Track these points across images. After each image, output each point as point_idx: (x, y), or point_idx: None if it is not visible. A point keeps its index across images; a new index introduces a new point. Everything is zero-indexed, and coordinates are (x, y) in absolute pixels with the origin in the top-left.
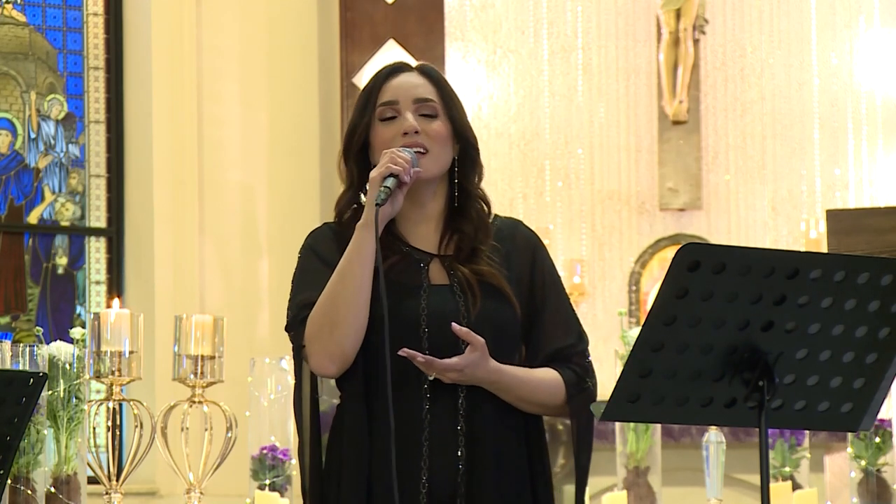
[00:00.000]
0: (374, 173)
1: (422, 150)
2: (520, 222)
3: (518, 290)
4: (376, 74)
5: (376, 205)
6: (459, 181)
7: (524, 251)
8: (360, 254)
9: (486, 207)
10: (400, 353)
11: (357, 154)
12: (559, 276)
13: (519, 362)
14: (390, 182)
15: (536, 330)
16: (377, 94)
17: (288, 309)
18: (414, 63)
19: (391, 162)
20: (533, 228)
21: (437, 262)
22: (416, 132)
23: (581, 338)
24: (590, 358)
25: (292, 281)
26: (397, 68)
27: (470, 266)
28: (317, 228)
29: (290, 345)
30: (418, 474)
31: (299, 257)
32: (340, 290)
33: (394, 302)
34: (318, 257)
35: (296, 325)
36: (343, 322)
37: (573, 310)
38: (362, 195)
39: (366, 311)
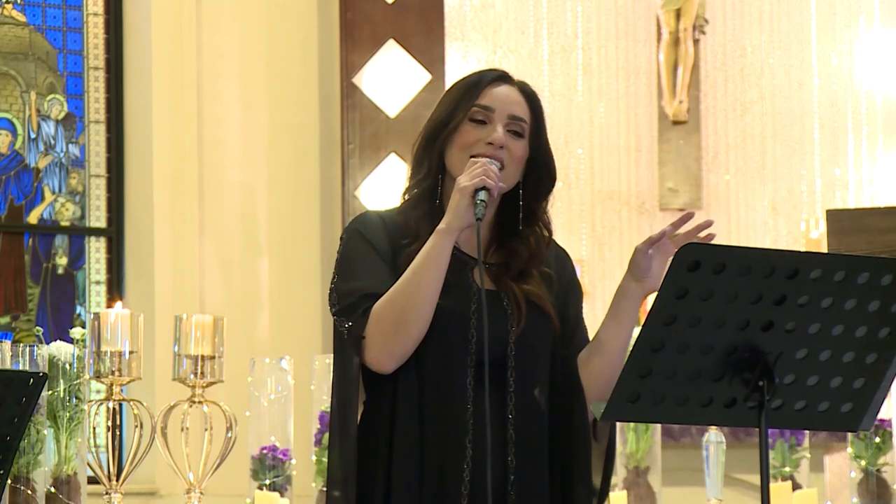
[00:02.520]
0: (464, 181)
1: (500, 165)
2: (569, 257)
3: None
4: (480, 75)
5: (477, 219)
6: (528, 203)
7: (562, 277)
8: (439, 259)
9: (547, 233)
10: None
11: (441, 144)
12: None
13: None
14: (484, 195)
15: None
16: (478, 94)
17: (336, 293)
18: (515, 77)
19: (485, 174)
20: None
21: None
22: (502, 147)
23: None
24: None
25: (339, 264)
26: (503, 76)
27: (518, 284)
28: (362, 215)
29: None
30: (460, 476)
31: (345, 240)
32: (414, 292)
33: (446, 301)
34: (371, 245)
35: (354, 314)
36: (411, 323)
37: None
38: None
39: (432, 315)
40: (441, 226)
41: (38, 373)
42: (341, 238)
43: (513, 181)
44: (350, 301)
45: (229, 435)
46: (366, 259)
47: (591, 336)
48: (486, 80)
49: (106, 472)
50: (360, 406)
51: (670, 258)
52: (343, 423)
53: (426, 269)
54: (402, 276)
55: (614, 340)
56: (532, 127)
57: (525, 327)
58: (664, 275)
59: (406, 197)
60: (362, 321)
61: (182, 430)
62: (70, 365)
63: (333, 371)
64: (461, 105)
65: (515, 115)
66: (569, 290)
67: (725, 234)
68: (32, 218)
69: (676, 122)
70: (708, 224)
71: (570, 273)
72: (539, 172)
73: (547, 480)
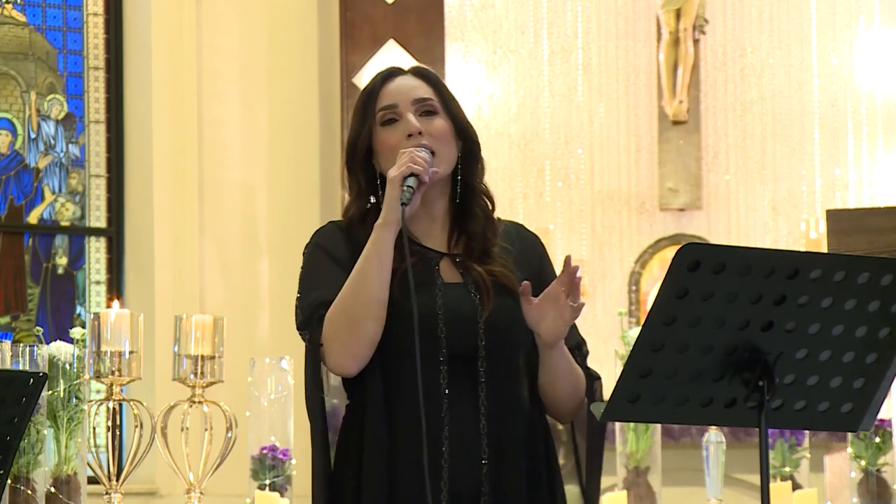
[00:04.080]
0: (393, 172)
1: (431, 152)
2: (522, 226)
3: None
4: (371, 81)
5: (402, 204)
6: (463, 177)
7: (532, 257)
8: (381, 252)
9: (490, 203)
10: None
11: (361, 162)
12: None
13: (525, 363)
14: (412, 181)
15: None
16: (375, 99)
17: (298, 308)
18: (407, 66)
19: (411, 161)
20: (533, 228)
21: (448, 260)
22: (420, 133)
23: (581, 345)
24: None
25: (301, 279)
26: (392, 73)
27: (483, 266)
28: (322, 227)
29: (294, 344)
30: (439, 473)
31: (306, 255)
32: (362, 289)
33: (410, 300)
34: (329, 256)
35: (312, 324)
36: (365, 320)
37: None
38: (372, 197)
39: (385, 309)
40: (379, 221)
41: (38, 373)
42: (303, 254)
43: (451, 161)
44: (309, 312)
45: (229, 435)
46: (324, 270)
47: (583, 334)
48: (379, 82)
49: (106, 472)
50: (344, 409)
51: (562, 303)
52: (315, 427)
53: (369, 265)
54: (349, 278)
55: (554, 382)
56: (440, 101)
57: (494, 309)
58: (664, 275)
59: (344, 216)
60: (318, 329)
61: (182, 430)
62: (70, 365)
63: (305, 379)
64: (366, 116)
65: (418, 98)
66: (542, 270)
67: (725, 234)
68: (32, 218)
69: (676, 122)
70: (569, 259)
71: (531, 242)
72: (463, 143)
73: (524, 475)
